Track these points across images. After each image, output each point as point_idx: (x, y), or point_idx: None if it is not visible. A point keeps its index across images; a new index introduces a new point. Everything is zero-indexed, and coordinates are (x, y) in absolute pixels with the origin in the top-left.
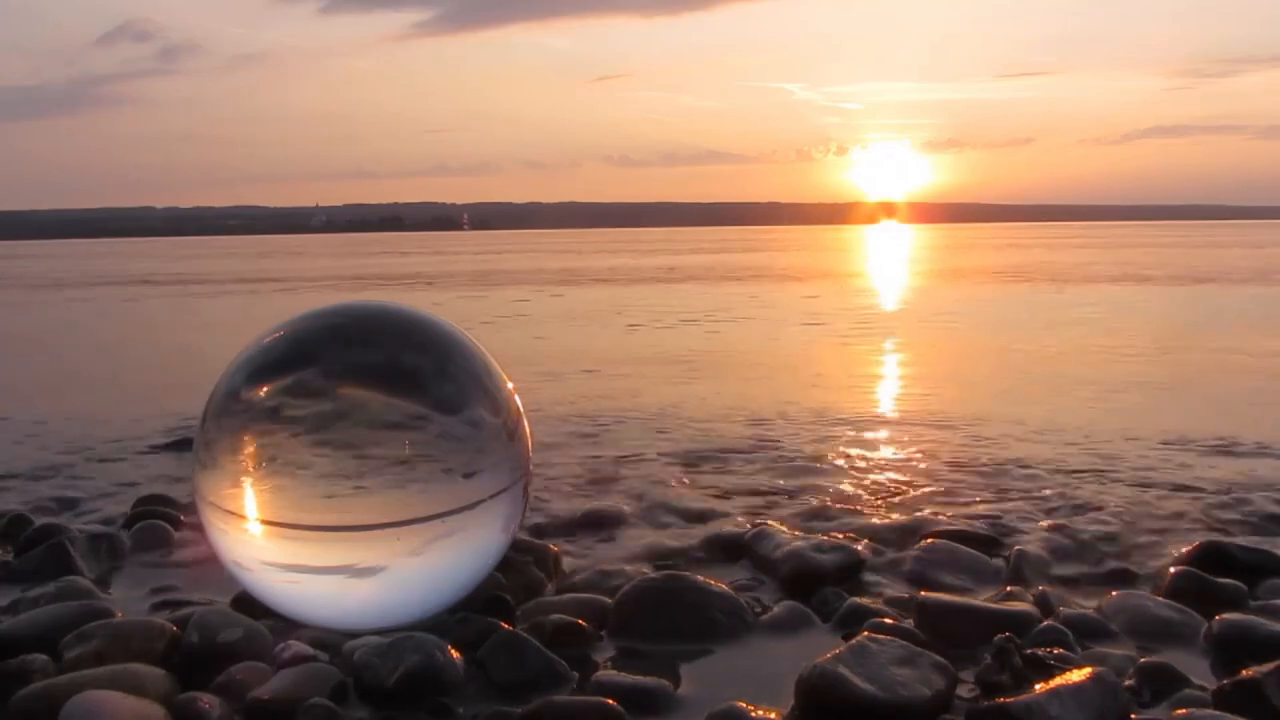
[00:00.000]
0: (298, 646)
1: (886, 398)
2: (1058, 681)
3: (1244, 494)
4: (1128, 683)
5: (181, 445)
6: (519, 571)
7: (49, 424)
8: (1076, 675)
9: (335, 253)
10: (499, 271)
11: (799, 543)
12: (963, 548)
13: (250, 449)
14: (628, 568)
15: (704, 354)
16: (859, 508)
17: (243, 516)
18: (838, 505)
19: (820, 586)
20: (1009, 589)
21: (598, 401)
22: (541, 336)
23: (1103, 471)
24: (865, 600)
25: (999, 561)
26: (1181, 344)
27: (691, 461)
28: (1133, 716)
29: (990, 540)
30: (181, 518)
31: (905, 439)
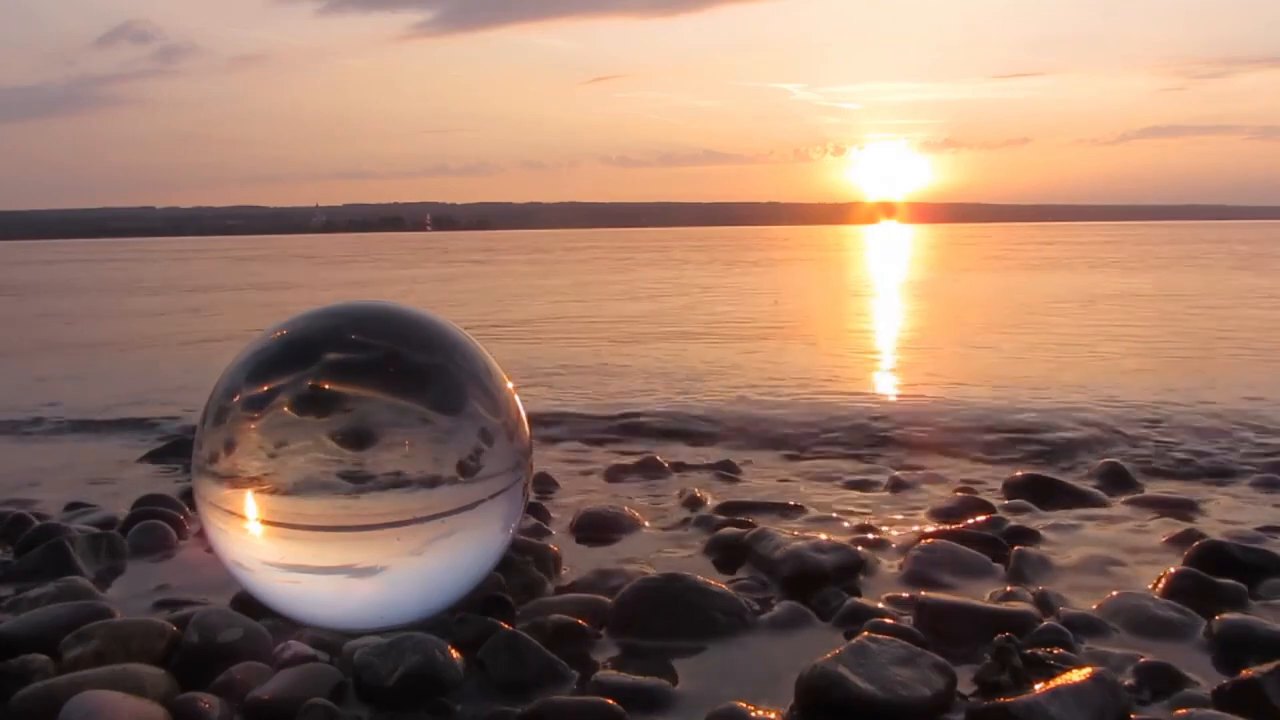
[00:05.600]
0: (298, 646)
1: None
2: (1058, 681)
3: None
4: (1128, 683)
5: (181, 445)
6: (519, 571)
7: (48, 424)
8: (1076, 675)
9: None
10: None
11: (799, 543)
12: (963, 548)
13: (250, 449)
14: (628, 568)
15: None
16: (859, 506)
17: (243, 517)
18: (840, 503)
19: (820, 586)
20: (1009, 589)
21: None
22: None
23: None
24: (865, 600)
25: (999, 562)
26: None
27: (694, 461)
28: (1132, 716)
29: (990, 540)
30: (181, 518)
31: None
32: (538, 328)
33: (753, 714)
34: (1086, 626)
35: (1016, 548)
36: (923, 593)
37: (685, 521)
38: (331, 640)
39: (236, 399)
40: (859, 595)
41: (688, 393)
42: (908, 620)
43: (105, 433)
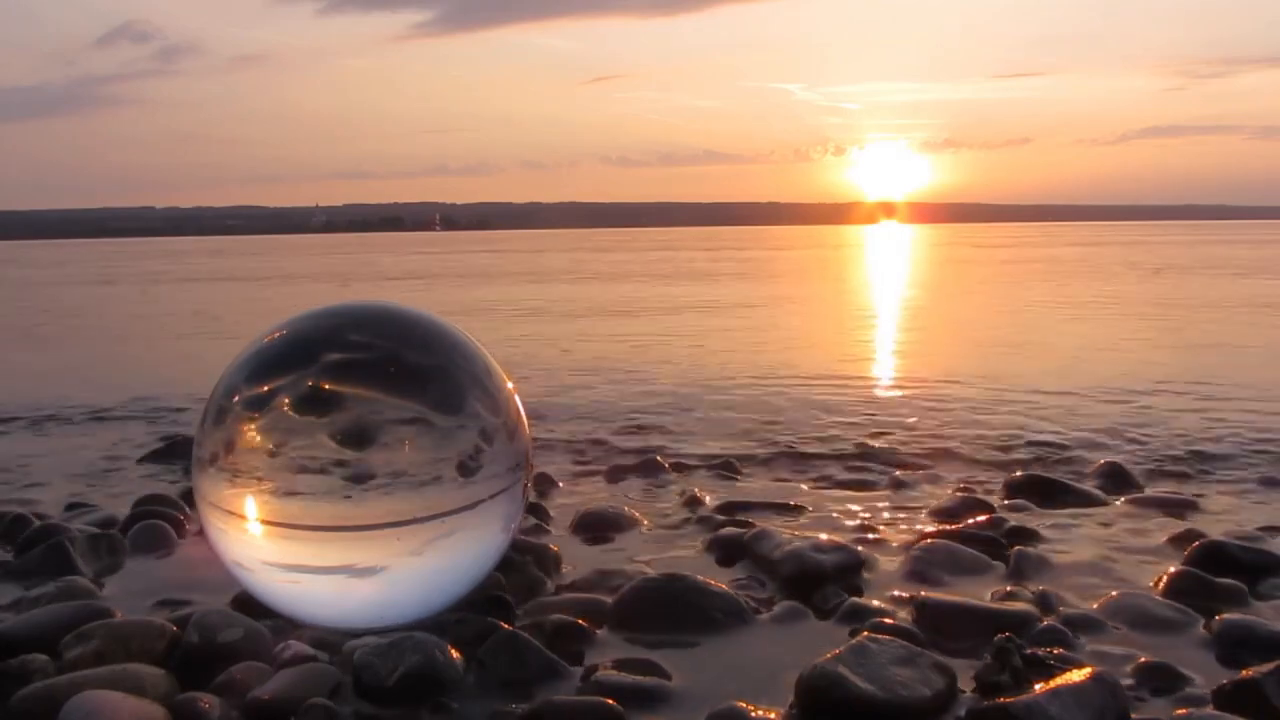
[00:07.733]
0: (298, 646)
1: None
2: (1058, 681)
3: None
4: (1128, 683)
5: (181, 445)
6: (519, 571)
7: (48, 424)
8: (1076, 675)
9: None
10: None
11: (799, 543)
12: (963, 547)
13: (250, 449)
14: (627, 568)
15: None
16: (860, 504)
17: (243, 516)
18: (839, 502)
19: (820, 586)
20: (1009, 589)
21: None
22: None
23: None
24: (865, 600)
25: (999, 561)
26: None
27: (692, 461)
28: (1133, 716)
29: (990, 540)
30: (181, 518)
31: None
32: None
33: (753, 714)
34: (1086, 626)
35: (1016, 547)
36: (923, 593)
37: (685, 521)
38: (331, 640)
39: (236, 399)
40: (859, 595)
41: None
42: (908, 620)
43: (105, 432)
